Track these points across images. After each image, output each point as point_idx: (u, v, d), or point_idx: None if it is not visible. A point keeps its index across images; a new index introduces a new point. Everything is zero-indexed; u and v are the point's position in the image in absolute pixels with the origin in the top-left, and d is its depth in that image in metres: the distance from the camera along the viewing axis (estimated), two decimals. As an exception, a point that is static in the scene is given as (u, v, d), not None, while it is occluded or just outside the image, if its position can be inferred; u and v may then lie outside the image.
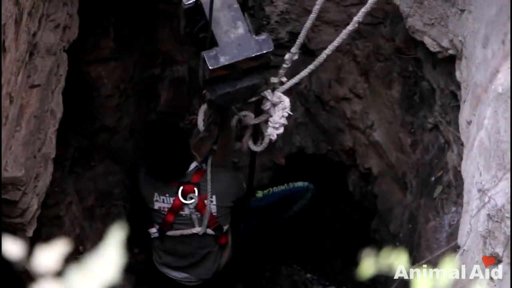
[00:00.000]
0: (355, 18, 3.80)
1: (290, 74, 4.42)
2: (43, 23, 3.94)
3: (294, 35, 5.96)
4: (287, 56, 4.21)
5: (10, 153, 3.69)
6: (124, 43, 5.72)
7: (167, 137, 5.02)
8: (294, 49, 4.17)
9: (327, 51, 4.07)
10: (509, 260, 2.64)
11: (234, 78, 4.12)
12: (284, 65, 4.26)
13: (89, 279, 1.08)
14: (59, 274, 1.15)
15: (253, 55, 4.04)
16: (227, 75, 4.08)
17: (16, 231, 4.06)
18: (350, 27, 3.87)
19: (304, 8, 5.77)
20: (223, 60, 3.99)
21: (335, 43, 4.02)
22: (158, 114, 6.25)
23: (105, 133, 5.84)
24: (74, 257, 4.63)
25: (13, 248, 1.20)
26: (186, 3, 4.03)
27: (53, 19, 4.06)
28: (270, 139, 4.57)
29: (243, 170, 5.87)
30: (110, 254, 1.09)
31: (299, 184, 5.64)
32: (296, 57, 4.19)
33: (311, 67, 4.22)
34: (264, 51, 4.07)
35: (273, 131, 4.51)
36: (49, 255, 1.13)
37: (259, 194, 5.48)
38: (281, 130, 4.53)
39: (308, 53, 5.54)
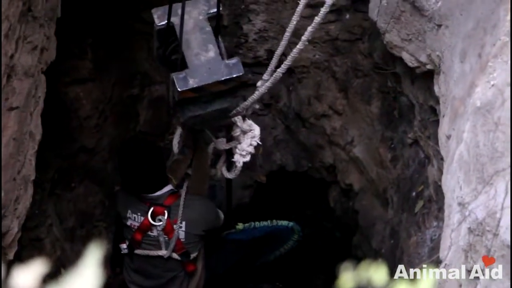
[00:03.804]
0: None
1: (269, 91, 4.42)
2: (20, 45, 3.91)
3: (272, 53, 5.95)
4: (259, 83, 4.21)
5: (-11, 176, 3.66)
6: (102, 64, 5.71)
7: (137, 150, 5.01)
8: (266, 76, 4.17)
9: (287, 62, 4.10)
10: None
11: (205, 101, 4.11)
12: (257, 92, 4.26)
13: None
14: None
15: (222, 79, 4.04)
16: (198, 97, 4.07)
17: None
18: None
19: (282, 26, 5.78)
20: (192, 83, 3.98)
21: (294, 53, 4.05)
22: (138, 134, 6.23)
23: (85, 154, 5.81)
24: (55, 279, 4.60)
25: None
26: (158, 24, 4.03)
27: (30, 41, 4.04)
28: (243, 165, 4.57)
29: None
30: (88, 273, 1.08)
31: (283, 223, 5.61)
32: (268, 84, 4.18)
33: (267, 84, 4.22)
34: (234, 75, 4.07)
35: (239, 158, 4.51)
36: (28, 275, 1.12)
37: (240, 226, 5.46)
38: (247, 158, 4.53)
39: (286, 70, 5.55)
